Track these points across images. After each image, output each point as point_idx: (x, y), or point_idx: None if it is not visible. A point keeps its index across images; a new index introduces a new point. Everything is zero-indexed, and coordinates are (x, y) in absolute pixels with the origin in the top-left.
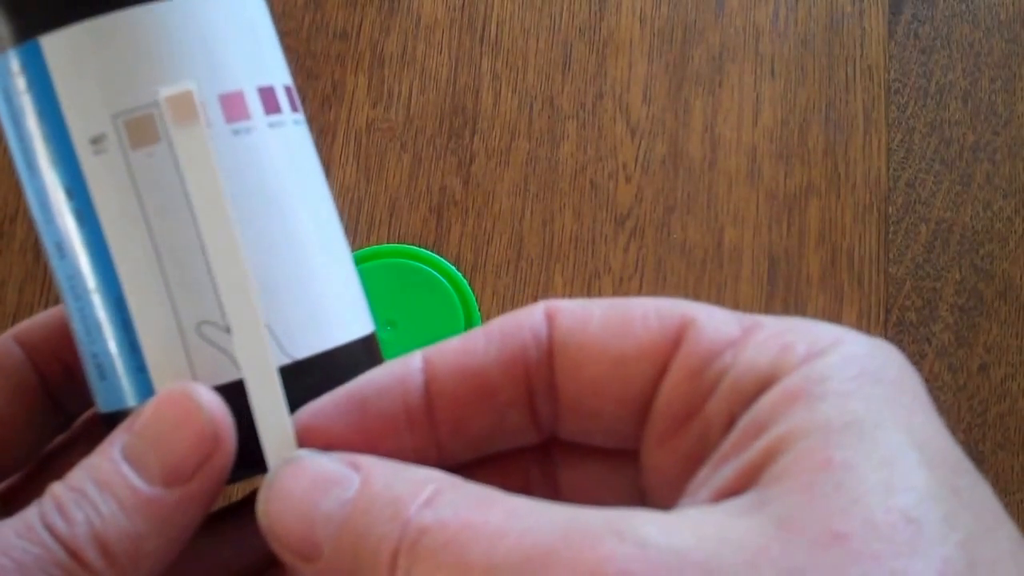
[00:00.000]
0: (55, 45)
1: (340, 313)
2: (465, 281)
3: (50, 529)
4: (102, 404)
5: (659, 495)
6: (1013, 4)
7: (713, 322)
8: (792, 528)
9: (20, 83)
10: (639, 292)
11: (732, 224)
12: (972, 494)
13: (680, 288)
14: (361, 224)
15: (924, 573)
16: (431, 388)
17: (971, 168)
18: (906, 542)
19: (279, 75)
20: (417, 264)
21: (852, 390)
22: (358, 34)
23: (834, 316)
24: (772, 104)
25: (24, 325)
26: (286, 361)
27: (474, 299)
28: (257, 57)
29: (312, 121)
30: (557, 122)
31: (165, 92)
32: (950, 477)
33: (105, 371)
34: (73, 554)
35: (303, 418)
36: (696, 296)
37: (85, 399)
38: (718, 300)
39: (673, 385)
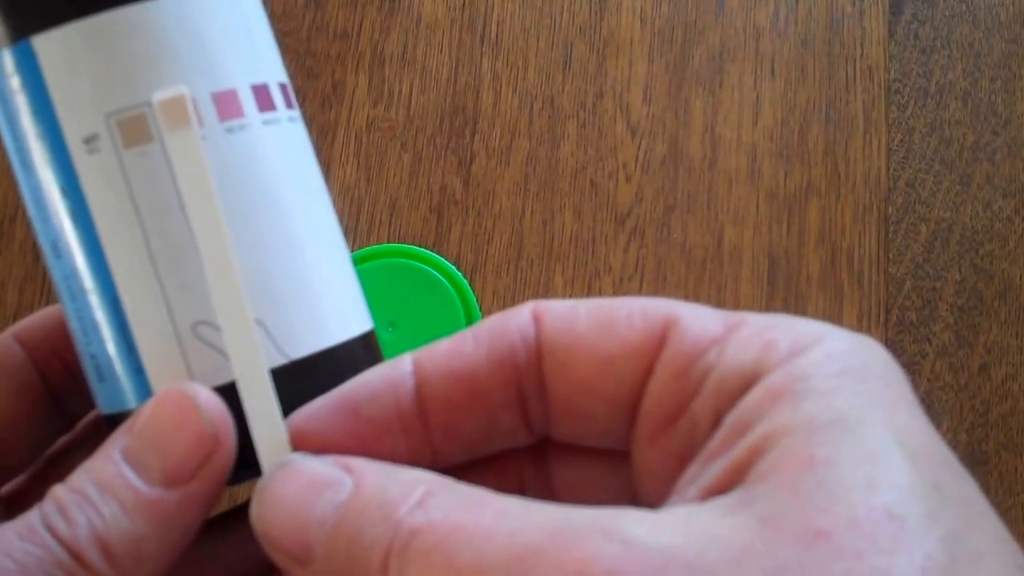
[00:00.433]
0: (48, 45)
1: (338, 310)
2: (465, 281)
3: (52, 531)
4: (103, 405)
5: (651, 493)
6: (1013, 4)
7: (697, 320)
8: (776, 526)
9: (14, 83)
10: (639, 292)
11: (732, 224)
12: (955, 489)
13: (680, 288)
14: (361, 224)
15: (906, 569)
16: (422, 391)
17: (971, 168)
18: (888, 539)
19: (273, 72)
20: (417, 264)
21: (835, 387)
22: (358, 34)
23: (834, 316)
24: (772, 104)
25: (24, 323)
26: (283, 362)
27: (475, 299)
28: (251, 55)
29: (312, 121)
30: (557, 122)
31: (157, 96)
32: (933, 473)
33: (104, 372)
34: (75, 555)
35: (296, 423)
36: (696, 296)
37: (87, 399)
38: (718, 300)
39: (660, 384)
